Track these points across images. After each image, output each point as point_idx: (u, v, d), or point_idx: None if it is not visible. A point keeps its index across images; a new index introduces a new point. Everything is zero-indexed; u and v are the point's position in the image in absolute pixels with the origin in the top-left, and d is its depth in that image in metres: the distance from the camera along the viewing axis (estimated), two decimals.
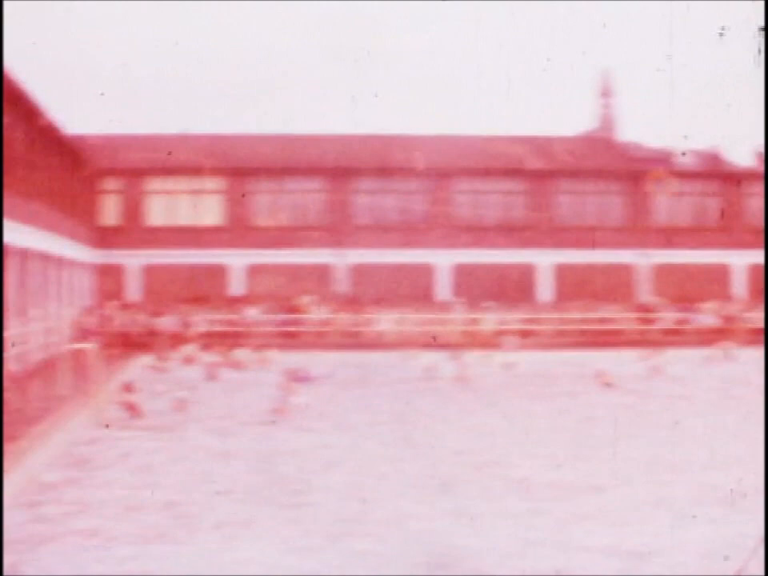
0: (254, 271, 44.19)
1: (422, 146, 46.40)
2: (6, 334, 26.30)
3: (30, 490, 13.95)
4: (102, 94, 74.99)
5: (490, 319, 40.27)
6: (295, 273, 44.11)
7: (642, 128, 76.24)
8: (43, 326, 31.23)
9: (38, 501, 13.54)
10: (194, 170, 44.14)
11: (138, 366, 31.13)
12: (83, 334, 31.36)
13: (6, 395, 21.69)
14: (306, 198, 45.02)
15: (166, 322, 37.46)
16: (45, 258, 32.40)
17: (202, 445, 17.93)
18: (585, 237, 45.33)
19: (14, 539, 11.30)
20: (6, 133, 28.06)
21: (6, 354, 25.75)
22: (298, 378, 24.26)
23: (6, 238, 26.79)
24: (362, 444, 18.11)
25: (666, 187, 44.51)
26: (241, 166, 44.72)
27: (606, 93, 51.57)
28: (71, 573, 10.36)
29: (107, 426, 19.69)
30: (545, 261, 45.45)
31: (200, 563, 10.66)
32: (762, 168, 43.65)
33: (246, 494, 13.96)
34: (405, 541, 11.52)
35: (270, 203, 44.89)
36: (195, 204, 44.52)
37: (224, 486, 14.31)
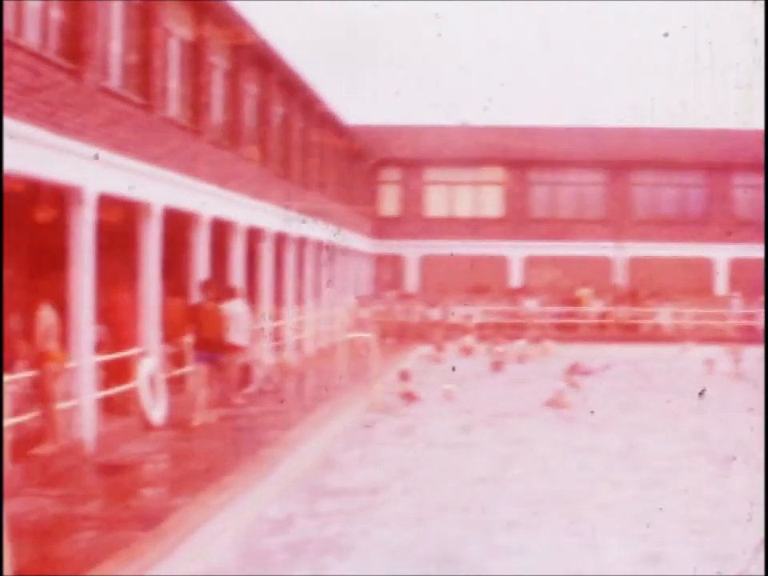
0: (533, 263, 43.54)
1: (697, 139, 44.45)
2: (282, 322, 26.57)
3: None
4: (383, 85, 76.31)
5: None
6: (573, 265, 43.25)
7: None
8: (322, 316, 31.50)
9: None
10: (474, 161, 43.94)
11: (415, 355, 30.94)
12: (361, 323, 31.42)
13: (284, 383, 21.94)
14: (585, 190, 44.19)
15: (443, 313, 37.19)
16: (320, 246, 32.58)
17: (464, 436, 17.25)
18: None
19: None
20: (286, 123, 28.44)
21: (282, 342, 26.04)
22: (580, 371, 23.40)
23: (286, 227, 27.06)
24: (642, 443, 16.81)
25: None
26: (521, 157, 44.10)
27: None
28: None
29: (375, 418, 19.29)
30: None
31: None
32: None
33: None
34: None
35: (549, 195, 44.26)
36: (475, 195, 44.35)
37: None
